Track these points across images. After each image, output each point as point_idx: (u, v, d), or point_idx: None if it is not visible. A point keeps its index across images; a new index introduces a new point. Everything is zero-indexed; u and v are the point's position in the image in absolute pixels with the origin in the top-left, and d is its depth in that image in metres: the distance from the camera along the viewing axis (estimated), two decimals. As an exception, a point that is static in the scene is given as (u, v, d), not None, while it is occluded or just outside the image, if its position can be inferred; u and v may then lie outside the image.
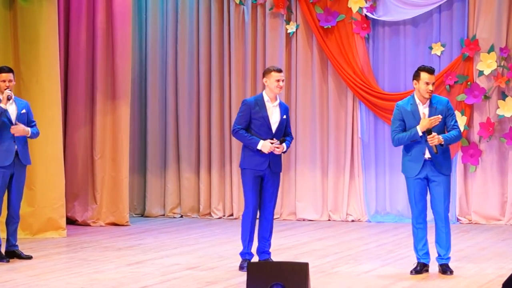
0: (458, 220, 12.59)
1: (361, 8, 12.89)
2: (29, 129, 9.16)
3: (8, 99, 8.99)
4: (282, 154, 8.50)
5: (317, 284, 7.63)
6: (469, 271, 8.32)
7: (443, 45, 12.69)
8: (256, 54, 13.44)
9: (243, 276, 7.50)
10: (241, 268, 8.41)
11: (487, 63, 12.38)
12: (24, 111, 9.23)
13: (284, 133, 8.53)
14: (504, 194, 12.52)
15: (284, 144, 8.44)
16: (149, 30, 13.88)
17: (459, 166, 12.60)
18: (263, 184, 8.46)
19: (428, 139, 7.89)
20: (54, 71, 11.27)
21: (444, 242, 8.11)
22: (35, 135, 9.29)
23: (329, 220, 13.09)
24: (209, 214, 13.65)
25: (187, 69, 13.71)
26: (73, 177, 12.49)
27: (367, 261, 8.96)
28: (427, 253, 8.14)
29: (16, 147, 9.10)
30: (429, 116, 7.99)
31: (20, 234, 10.80)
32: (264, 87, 8.58)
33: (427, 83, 7.99)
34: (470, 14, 12.54)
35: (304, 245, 10.51)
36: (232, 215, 13.53)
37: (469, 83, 12.51)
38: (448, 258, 8.16)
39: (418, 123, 7.98)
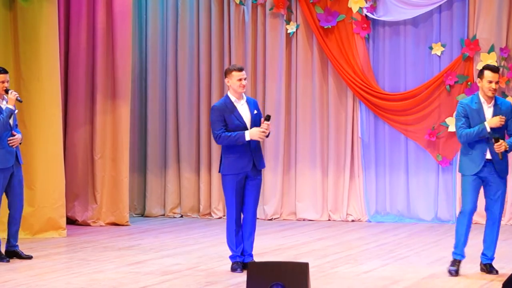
0: (458, 220, 12.58)
1: (361, 8, 12.89)
2: (20, 136, 9.21)
3: (18, 100, 9.00)
4: (261, 149, 8.43)
5: (317, 284, 7.63)
6: (469, 271, 8.32)
7: (443, 45, 12.69)
8: (256, 54, 13.44)
9: (243, 276, 7.50)
10: (233, 270, 8.37)
11: (487, 63, 12.37)
12: (17, 111, 9.28)
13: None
14: (504, 194, 12.50)
15: (267, 122, 8.28)
16: (149, 30, 13.88)
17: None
18: (245, 185, 8.34)
19: (495, 147, 7.96)
20: (54, 71, 11.27)
21: (493, 243, 8.31)
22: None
23: (329, 220, 13.09)
24: (209, 214, 13.65)
25: (187, 69, 13.71)
26: (73, 177, 12.49)
27: (367, 261, 8.96)
28: (463, 250, 8.27)
29: (15, 147, 9.15)
30: (493, 115, 8.09)
31: (20, 234, 10.78)
32: (227, 88, 8.54)
33: (490, 81, 8.13)
34: (470, 14, 12.54)
35: (304, 245, 10.51)
36: (232, 215, 13.51)
37: (469, 83, 12.51)
38: (493, 258, 8.32)
39: (482, 121, 8.06)
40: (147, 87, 13.91)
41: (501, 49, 12.35)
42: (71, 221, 12.43)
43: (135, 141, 13.81)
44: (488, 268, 8.27)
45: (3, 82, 9.06)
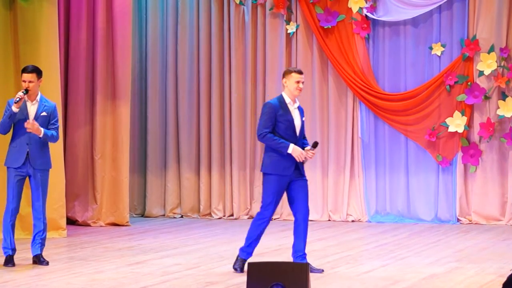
0: (458, 220, 12.59)
1: (361, 8, 12.89)
2: (42, 129, 8.71)
3: (16, 102, 8.64)
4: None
5: (317, 284, 7.64)
6: (469, 271, 8.33)
7: (443, 45, 12.69)
8: (256, 54, 13.44)
9: (243, 276, 7.50)
10: (236, 268, 8.32)
11: (487, 63, 12.38)
12: (44, 113, 8.82)
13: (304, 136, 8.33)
14: (504, 194, 12.52)
15: (313, 151, 8.18)
16: (149, 30, 13.88)
17: (459, 166, 12.60)
18: (291, 188, 8.20)
19: None
20: (54, 71, 11.27)
21: None
22: (50, 137, 8.81)
23: (329, 220, 13.09)
24: (209, 214, 13.65)
25: (187, 69, 13.71)
26: (73, 177, 12.49)
27: (367, 261, 8.96)
28: None
29: (28, 149, 8.75)
30: None
31: (20, 234, 10.81)
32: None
33: None
34: (470, 14, 12.55)
35: (304, 245, 10.49)
36: (232, 215, 13.53)
37: (469, 83, 12.51)
38: None
39: None
40: (147, 87, 13.91)
41: (501, 49, 12.35)
42: (71, 221, 12.43)
43: (135, 141, 13.81)
44: None
45: (24, 81, 8.75)
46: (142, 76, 13.98)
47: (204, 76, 13.63)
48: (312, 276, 6.76)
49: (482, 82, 12.44)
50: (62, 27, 12.27)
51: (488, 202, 12.53)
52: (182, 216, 13.72)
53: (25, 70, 8.84)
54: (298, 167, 8.19)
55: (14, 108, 8.69)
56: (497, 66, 12.35)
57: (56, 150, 11.31)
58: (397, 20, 12.84)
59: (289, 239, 11.02)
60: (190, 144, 13.74)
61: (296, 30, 13.23)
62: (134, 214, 13.81)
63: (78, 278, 8.12)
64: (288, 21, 13.24)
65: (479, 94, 12.39)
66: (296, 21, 13.24)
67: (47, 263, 8.83)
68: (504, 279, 5.74)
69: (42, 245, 8.93)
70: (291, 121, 8.15)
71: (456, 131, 12.56)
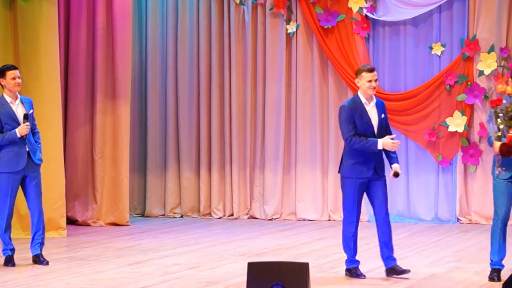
0: (458, 220, 12.59)
1: (361, 8, 12.88)
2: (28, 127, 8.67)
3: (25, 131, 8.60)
4: (381, 155, 8.09)
5: (317, 284, 7.63)
6: (469, 271, 8.32)
7: (443, 45, 12.69)
8: (256, 54, 13.44)
9: (243, 276, 7.50)
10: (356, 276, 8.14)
11: (487, 63, 12.37)
12: (31, 111, 8.86)
13: (385, 132, 8.11)
14: (504, 194, 12.50)
15: (396, 165, 8.06)
16: (149, 30, 13.88)
17: (459, 166, 12.60)
18: (370, 190, 8.10)
19: None
20: (54, 71, 11.28)
21: None
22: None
23: (329, 220, 13.08)
24: (209, 214, 13.65)
25: (187, 69, 13.71)
26: (73, 177, 12.49)
27: (367, 261, 8.95)
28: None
29: (27, 147, 8.70)
30: None
31: (20, 234, 10.82)
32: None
33: None
34: (470, 14, 12.54)
35: (304, 245, 10.51)
36: (232, 215, 13.52)
37: (469, 83, 12.51)
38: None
39: None
40: (147, 87, 13.91)
41: (501, 49, 12.35)
42: (71, 221, 12.43)
43: (135, 141, 13.81)
44: None
45: (14, 78, 8.66)
46: (142, 76, 13.98)
47: (204, 76, 13.63)
48: (312, 276, 6.76)
49: (482, 82, 12.44)
50: (62, 27, 12.27)
51: (488, 202, 12.47)
52: (182, 216, 13.72)
53: (10, 68, 8.73)
54: (376, 171, 8.05)
55: (19, 134, 8.59)
56: (497, 66, 12.35)
57: (56, 150, 11.34)
58: (397, 20, 12.84)
59: (289, 239, 11.04)
60: (190, 144, 13.74)
61: (296, 30, 13.23)
62: (134, 214, 13.81)
63: (78, 278, 8.13)
64: (288, 21, 13.24)
65: (479, 94, 12.39)
66: (296, 21, 13.24)
67: (47, 263, 8.83)
68: (504, 279, 5.74)
69: (42, 244, 8.92)
70: (367, 121, 7.98)
71: (456, 131, 12.56)
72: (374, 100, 8.10)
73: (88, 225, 12.52)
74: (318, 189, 13.15)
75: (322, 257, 9.37)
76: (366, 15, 12.93)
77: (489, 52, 12.36)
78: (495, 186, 7.72)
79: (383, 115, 8.08)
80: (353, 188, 8.02)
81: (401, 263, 8.87)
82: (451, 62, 12.62)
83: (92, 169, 12.66)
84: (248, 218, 13.38)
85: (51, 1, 11.26)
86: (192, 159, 13.73)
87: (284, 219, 13.17)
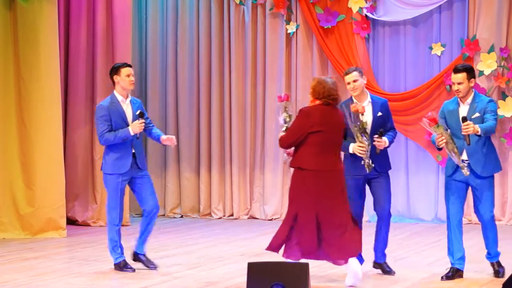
0: (458, 220, 12.58)
1: (361, 8, 12.89)
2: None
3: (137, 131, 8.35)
4: (382, 152, 8.15)
5: (317, 284, 7.63)
6: (469, 271, 8.32)
7: (443, 45, 12.69)
8: (256, 54, 13.44)
9: (243, 276, 7.50)
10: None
11: (487, 63, 12.38)
12: (139, 111, 8.43)
13: (385, 129, 8.18)
14: (504, 194, 12.52)
15: (385, 138, 8.10)
16: (149, 30, 13.88)
17: (459, 166, 12.59)
18: (371, 187, 8.30)
19: (462, 127, 7.70)
20: (54, 71, 11.28)
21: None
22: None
23: (329, 220, 13.06)
24: (209, 214, 13.65)
25: (187, 69, 13.71)
26: (73, 177, 12.49)
27: (367, 261, 8.95)
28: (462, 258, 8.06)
29: (133, 151, 8.37)
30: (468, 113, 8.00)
31: (20, 234, 10.83)
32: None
33: (453, 83, 8.15)
34: (470, 14, 12.55)
35: (304, 245, 10.49)
36: (232, 215, 13.53)
37: (469, 83, 12.50)
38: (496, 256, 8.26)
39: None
40: (147, 87, 13.91)
41: (501, 49, 12.36)
42: (71, 221, 12.42)
43: (135, 141, 13.80)
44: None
45: (128, 75, 8.30)
46: (142, 76, 13.98)
47: (204, 76, 13.63)
48: (312, 276, 6.77)
49: (482, 82, 12.44)
50: (62, 27, 12.27)
51: (488, 202, 12.50)
52: (182, 216, 13.72)
53: (124, 65, 8.38)
54: (374, 168, 8.11)
55: (132, 132, 8.32)
56: (497, 66, 12.36)
57: (56, 150, 11.34)
58: (397, 20, 12.84)
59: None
60: (190, 144, 13.74)
61: (296, 30, 13.23)
62: (134, 214, 13.80)
63: (77, 278, 8.13)
64: (288, 21, 13.24)
65: (479, 94, 12.39)
66: (296, 21, 13.25)
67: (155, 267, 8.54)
68: (504, 279, 5.74)
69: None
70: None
71: (456, 131, 12.55)
72: (368, 98, 8.34)
73: (88, 225, 12.51)
74: (318, 189, 13.14)
75: (322, 257, 9.35)
76: (366, 15, 12.93)
77: (489, 52, 12.37)
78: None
79: (380, 113, 8.21)
80: (351, 185, 8.22)
81: (401, 263, 8.87)
82: (451, 62, 12.62)
83: (92, 169, 12.66)
84: (248, 218, 13.38)
85: (51, 1, 11.26)
86: (192, 159, 13.73)
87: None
